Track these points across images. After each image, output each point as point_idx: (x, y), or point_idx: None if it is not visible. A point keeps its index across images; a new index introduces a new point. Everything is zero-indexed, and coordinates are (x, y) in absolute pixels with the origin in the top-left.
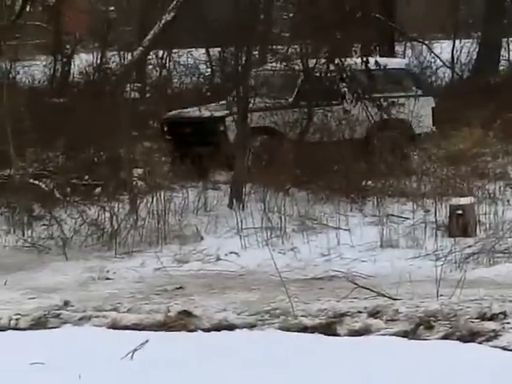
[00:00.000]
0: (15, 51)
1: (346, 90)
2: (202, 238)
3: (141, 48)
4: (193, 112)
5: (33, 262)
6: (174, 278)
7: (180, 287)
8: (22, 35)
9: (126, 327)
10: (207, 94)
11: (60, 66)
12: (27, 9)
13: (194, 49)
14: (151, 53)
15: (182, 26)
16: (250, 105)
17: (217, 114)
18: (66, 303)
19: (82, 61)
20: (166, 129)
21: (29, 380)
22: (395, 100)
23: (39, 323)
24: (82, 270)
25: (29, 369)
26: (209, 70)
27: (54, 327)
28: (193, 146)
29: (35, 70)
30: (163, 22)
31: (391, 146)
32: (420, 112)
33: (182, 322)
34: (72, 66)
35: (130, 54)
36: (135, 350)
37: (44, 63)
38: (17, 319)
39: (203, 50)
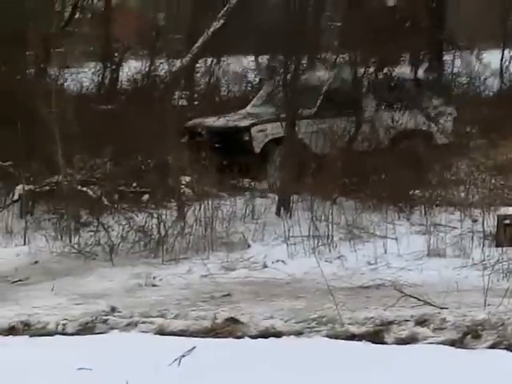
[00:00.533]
0: (64, 58)
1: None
2: (249, 246)
3: (190, 55)
4: (215, 121)
5: (80, 268)
6: (221, 285)
7: (227, 294)
8: (71, 42)
9: (173, 333)
10: None
11: (108, 73)
12: (76, 16)
13: (242, 56)
14: (200, 60)
15: (231, 33)
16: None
17: (242, 123)
18: (113, 309)
19: (131, 68)
20: (187, 137)
21: None
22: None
23: (86, 329)
24: (129, 276)
25: (76, 374)
26: (257, 78)
27: (101, 333)
28: (216, 155)
29: (84, 76)
30: (212, 29)
31: (413, 157)
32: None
33: (229, 328)
34: (120, 73)
35: (178, 62)
36: (182, 356)
37: (92, 70)
38: (64, 324)
39: (252, 58)
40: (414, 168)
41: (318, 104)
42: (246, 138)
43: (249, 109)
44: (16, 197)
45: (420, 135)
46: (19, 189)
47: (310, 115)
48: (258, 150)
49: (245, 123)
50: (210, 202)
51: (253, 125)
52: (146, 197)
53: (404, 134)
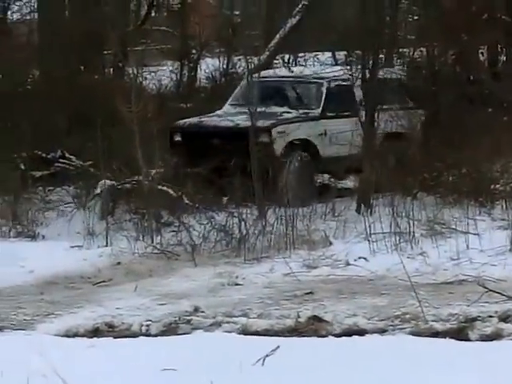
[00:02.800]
0: (141, 57)
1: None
2: (330, 243)
3: (267, 52)
4: (220, 121)
5: (162, 268)
6: (303, 283)
7: (309, 292)
8: (148, 41)
9: (257, 333)
10: None
11: (186, 71)
12: (152, 14)
13: (319, 52)
14: (277, 57)
15: (307, 29)
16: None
17: (259, 123)
18: (196, 309)
19: (208, 66)
20: (178, 139)
21: None
22: None
23: (170, 329)
24: (212, 275)
25: (160, 375)
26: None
27: (185, 333)
28: (222, 160)
29: (162, 75)
30: (289, 25)
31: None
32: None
33: (313, 327)
34: (198, 71)
35: (256, 58)
36: (266, 355)
37: (170, 68)
38: (147, 325)
39: (329, 54)
40: (495, 162)
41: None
42: (265, 140)
43: (226, 108)
44: (98, 191)
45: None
46: (101, 184)
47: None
48: (278, 153)
49: (264, 123)
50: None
51: (273, 125)
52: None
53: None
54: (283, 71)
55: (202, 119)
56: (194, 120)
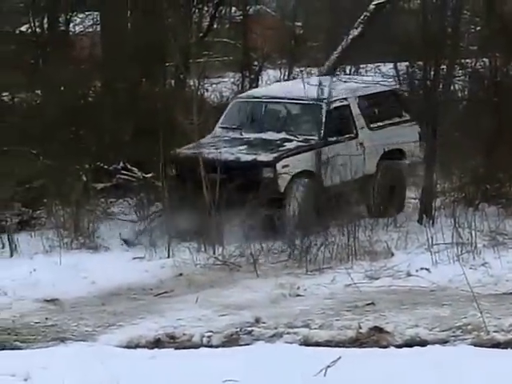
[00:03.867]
0: (203, 68)
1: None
2: (392, 254)
3: (328, 63)
4: (215, 154)
5: (224, 279)
6: (365, 294)
7: (371, 303)
8: (210, 52)
9: (318, 344)
10: None
11: (248, 83)
12: (214, 26)
13: (381, 63)
14: (339, 68)
15: (369, 40)
16: None
17: (261, 157)
18: (258, 320)
19: (270, 77)
20: (174, 169)
21: None
22: None
23: (231, 340)
24: (273, 286)
25: None
26: (397, 84)
27: (246, 344)
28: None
29: (223, 86)
30: (351, 36)
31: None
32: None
33: (374, 338)
34: (260, 83)
35: (317, 70)
36: (328, 366)
37: (232, 80)
38: (209, 336)
39: (391, 65)
40: None
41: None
42: (269, 175)
43: (217, 132)
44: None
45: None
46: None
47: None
48: (282, 189)
49: (266, 157)
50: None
51: (277, 159)
52: None
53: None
54: (276, 89)
55: (196, 151)
56: (189, 152)
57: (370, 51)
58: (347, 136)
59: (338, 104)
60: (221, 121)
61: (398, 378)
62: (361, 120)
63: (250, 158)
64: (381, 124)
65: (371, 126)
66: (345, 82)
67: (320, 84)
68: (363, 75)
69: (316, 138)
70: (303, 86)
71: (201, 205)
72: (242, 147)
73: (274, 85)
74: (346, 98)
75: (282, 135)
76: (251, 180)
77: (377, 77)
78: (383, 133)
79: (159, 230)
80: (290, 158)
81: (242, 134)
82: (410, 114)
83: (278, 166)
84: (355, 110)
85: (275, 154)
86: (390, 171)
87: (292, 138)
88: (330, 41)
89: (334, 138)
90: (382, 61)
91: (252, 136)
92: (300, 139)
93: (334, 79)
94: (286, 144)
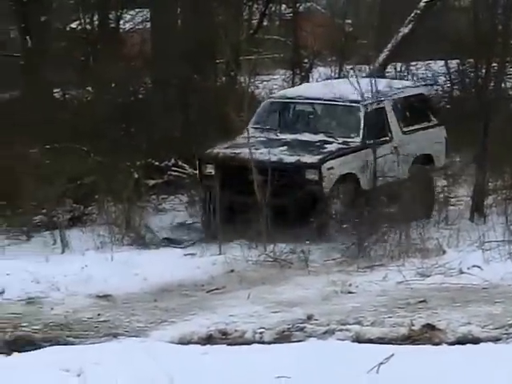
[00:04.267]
0: (254, 65)
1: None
2: (444, 252)
3: (379, 61)
4: (260, 154)
5: (275, 276)
6: (417, 291)
7: (423, 300)
8: (261, 49)
9: (370, 341)
10: (446, 106)
11: (298, 80)
12: (265, 23)
13: (432, 61)
14: (389, 66)
15: (419, 38)
16: None
17: (306, 159)
18: (310, 317)
19: (321, 74)
20: (210, 171)
21: None
22: None
23: (283, 337)
24: (325, 283)
25: (274, 382)
26: (448, 82)
27: (298, 341)
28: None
29: (273, 84)
30: (401, 34)
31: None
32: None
33: (427, 335)
34: (310, 80)
35: (367, 67)
36: (381, 363)
37: (282, 77)
38: (261, 333)
39: (442, 63)
40: None
41: None
42: (314, 178)
43: (251, 132)
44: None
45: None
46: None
47: None
48: (327, 192)
49: (310, 159)
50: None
51: (322, 161)
52: None
53: None
54: (310, 90)
55: (236, 151)
56: (227, 151)
57: (420, 49)
58: (383, 139)
59: (374, 106)
60: (253, 121)
61: (451, 376)
62: (395, 123)
63: (293, 159)
64: (412, 128)
65: (404, 129)
66: (377, 83)
67: (355, 86)
68: (413, 73)
69: (356, 140)
70: (338, 88)
71: (248, 203)
72: (281, 148)
73: (304, 85)
74: (381, 101)
75: (320, 137)
76: (294, 182)
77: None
78: (415, 137)
79: (206, 228)
80: (334, 160)
81: (277, 135)
82: (437, 117)
83: (323, 168)
84: (390, 113)
85: (319, 156)
86: (421, 177)
87: (331, 139)
88: (380, 38)
89: (372, 141)
90: (432, 58)
91: (289, 137)
92: (340, 141)
93: (368, 81)
94: (326, 146)
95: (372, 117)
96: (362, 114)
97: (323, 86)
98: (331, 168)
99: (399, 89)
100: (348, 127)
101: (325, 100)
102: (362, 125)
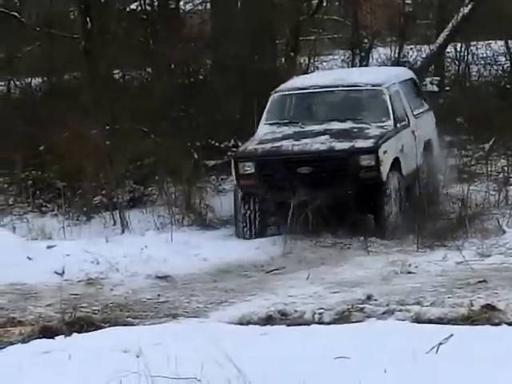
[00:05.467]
0: (313, 46)
1: None
2: (504, 232)
3: (439, 41)
4: (305, 144)
5: (334, 256)
6: (477, 271)
7: (483, 281)
8: (320, 30)
9: (430, 321)
10: (506, 86)
11: (358, 61)
12: (324, 4)
13: (492, 41)
14: (449, 45)
15: (480, 17)
16: None
17: (360, 144)
18: (369, 297)
19: (380, 55)
20: (249, 170)
21: (334, 374)
22: None
23: (343, 317)
24: (384, 264)
25: (334, 363)
26: (508, 62)
27: (358, 321)
28: (313, 191)
29: (334, 64)
30: (461, 14)
31: None
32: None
33: (486, 315)
34: (370, 60)
35: (428, 47)
36: (440, 344)
37: (342, 58)
38: (320, 313)
39: (502, 42)
40: None
41: None
42: (371, 163)
43: (266, 129)
44: None
45: None
46: None
47: None
48: (384, 178)
49: (365, 143)
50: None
51: (378, 145)
52: None
53: None
54: (322, 78)
55: (275, 144)
56: (267, 146)
57: (480, 28)
58: (404, 123)
59: (393, 89)
60: (264, 117)
61: (510, 356)
62: (408, 107)
63: (346, 145)
64: (418, 112)
65: (414, 113)
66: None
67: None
68: (473, 53)
69: (388, 124)
70: (353, 73)
71: (300, 198)
72: (323, 137)
73: (312, 75)
74: (395, 83)
75: (351, 124)
76: (348, 170)
77: None
78: (421, 121)
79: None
80: (386, 143)
81: (302, 127)
82: (426, 102)
83: (380, 151)
84: (404, 97)
85: (373, 139)
86: (431, 164)
87: (365, 125)
88: (440, 18)
89: (399, 126)
90: (492, 38)
91: (317, 128)
92: (374, 126)
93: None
94: (367, 131)
95: (394, 100)
96: (387, 97)
97: (333, 74)
98: (385, 152)
99: (398, 72)
100: (376, 112)
101: (344, 86)
102: (391, 108)
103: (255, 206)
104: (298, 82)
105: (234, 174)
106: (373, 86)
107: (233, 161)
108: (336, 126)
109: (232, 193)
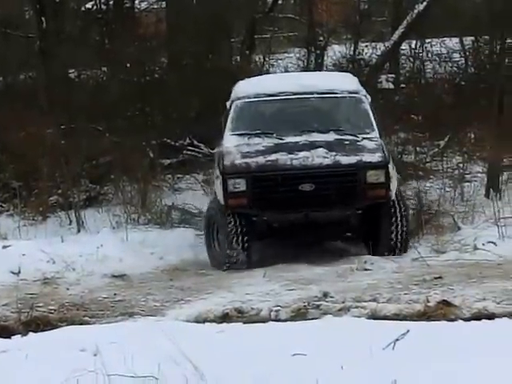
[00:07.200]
0: (268, 44)
1: None
2: (459, 228)
3: (394, 38)
4: (300, 159)
5: (290, 254)
6: (432, 267)
7: (438, 277)
8: (276, 28)
9: (386, 317)
10: (461, 83)
11: (313, 58)
12: (280, 1)
13: (447, 38)
14: (404, 43)
15: (434, 15)
16: None
17: (368, 158)
18: (325, 294)
19: (335, 52)
20: (240, 188)
21: (291, 371)
22: None
23: (299, 315)
24: (340, 261)
25: (291, 360)
26: (462, 59)
27: (314, 318)
28: (315, 210)
29: (289, 62)
30: (416, 11)
31: None
32: None
33: (442, 311)
34: (325, 58)
35: (382, 45)
36: (397, 340)
37: (297, 55)
38: (277, 311)
39: (457, 39)
40: None
41: None
42: (380, 180)
43: (235, 140)
44: None
45: None
46: None
47: None
48: (393, 195)
49: (372, 158)
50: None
51: (387, 159)
52: None
53: None
54: (286, 84)
55: (269, 158)
56: (260, 160)
57: (435, 26)
58: (380, 133)
59: (368, 96)
60: (230, 127)
61: (467, 351)
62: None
63: (353, 159)
64: None
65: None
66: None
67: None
68: (428, 50)
69: (373, 136)
70: (317, 78)
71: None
72: (319, 150)
73: (267, 79)
74: (365, 90)
75: (335, 135)
76: (355, 187)
77: None
78: None
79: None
80: (390, 157)
81: (282, 139)
82: None
83: (390, 167)
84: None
85: (380, 154)
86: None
87: (352, 137)
88: (395, 15)
89: (382, 138)
90: (447, 35)
91: (298, 139)
92: (361, 138)
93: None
94: (361, 144)
95: (372, 109)
96: (367, 106)
97: (296, 78)
98: (393, 168)
99: (354, 78)
100: (358, 122)
101: (319, 93)
102: (373, 118)
103: (243, 230)
104: (259, 86)
105: (219, 192)
106: (350, 92)
107: (221, 178)
108: (320, 137)
109: (188, 191)
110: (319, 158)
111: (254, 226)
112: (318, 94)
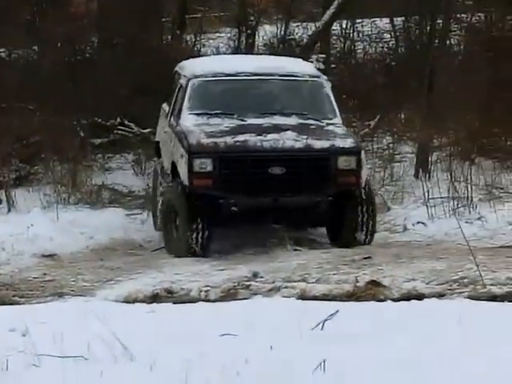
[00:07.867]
0: (200, 24)
1: None
2: (388, 209)
3: (325, 18)
4: (271, 141)
5: (221, 234)
6: (361, 248)
7: (368, 257)
8: (207, 8)
9: (315, 298)
10: (392, 63)
11: (244, 38)
12: None
13: (377, 19)
14: (335, 23)
15: None
16: None
17: (339, 143)
18: (255, 275)
19: (267, 32)
20: (206, 168)
21: (220, 351)
22: None
23: (229, 295)
24: (271, 241)
25: (220, 340)
26: (393, 39)
27: (244, 299)
28: (284, 195)
29: (220, 42)
30: None
31: None
32: None
33: (371, 292)
34: (256, 38)
35: (313, 25)
36: (325, 320)
37: (228, 35)
38: (206, 291)
39: (387, 20)
40: None
41: None
42: (351, 167)
43: (193, 119)
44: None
45: None
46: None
47: None
48: (363, 183)
49: (344, 143)
50: None
51: (359, 145)
52: None
53: None
54: (246, 64)
55: (239, 139)
56: (228, 141)
57: (366, 6)
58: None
59: (329, 81)
60: (187, 106)
61: (395, 332)
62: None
63: (326, 144)
64: None
65: None
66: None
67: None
68: (358, 31)
69: (336, 122)
70: (276, 61)
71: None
72: (288, 133)
73: (227, 58)
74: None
75: (298, 119)
76: (327, 172)
77: None
78: None
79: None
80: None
81: (243, 120)
82: None
83: (363, 153)
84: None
85: (352, 139)
86: None
87: (317, 122)
88: None
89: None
90: (378, 16)
91: (261, 121)
92: (325, 123)
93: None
94: (328, 129)
95: (333, 94)
96: (329, 91)
97: (255, 60)
98: (364, 156)
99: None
100: (320, 107)
101: (280, 75)
102: (335, 103)
103: (204, 214)
104: (218, 65)
105: (183, 172)
106: (311, 76)
107: (186, 157)
108: (283, 120)
109: (119, 171)
110: (290, 140)
111: (217, 210)
112: (279, 75)
